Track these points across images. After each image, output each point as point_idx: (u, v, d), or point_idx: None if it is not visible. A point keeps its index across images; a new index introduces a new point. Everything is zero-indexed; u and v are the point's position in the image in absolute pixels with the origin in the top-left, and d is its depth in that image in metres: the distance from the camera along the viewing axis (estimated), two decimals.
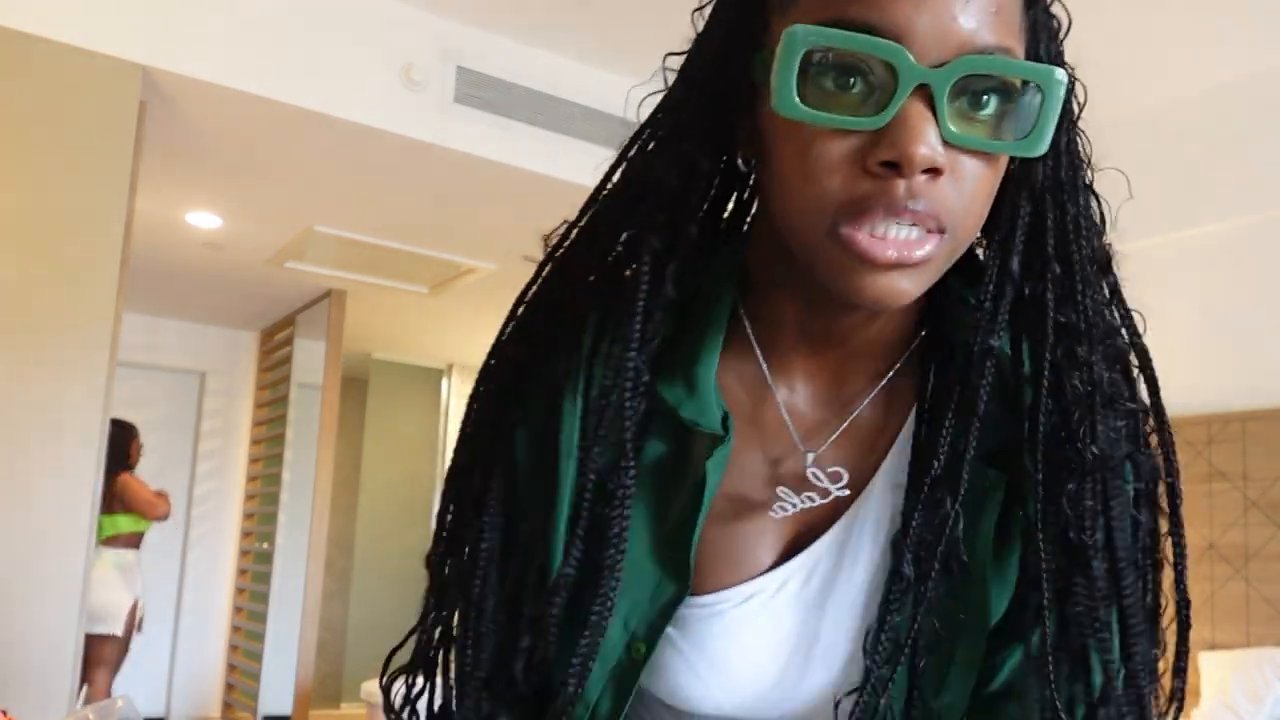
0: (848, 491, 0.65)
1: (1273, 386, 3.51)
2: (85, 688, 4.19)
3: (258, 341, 6.87)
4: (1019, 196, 0.62)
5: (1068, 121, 0.62)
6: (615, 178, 0.68)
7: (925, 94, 0.51)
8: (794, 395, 0.67)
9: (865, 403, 0.66)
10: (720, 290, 0.66)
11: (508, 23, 3.58)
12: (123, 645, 4.66)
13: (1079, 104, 0.64)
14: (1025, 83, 0.53)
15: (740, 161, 0.65)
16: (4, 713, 1.69)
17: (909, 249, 0.53)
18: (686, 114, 0.64)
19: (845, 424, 0.66)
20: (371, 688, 5.06)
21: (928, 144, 0.51)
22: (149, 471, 5.32)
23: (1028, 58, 0.57)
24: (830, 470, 0.65)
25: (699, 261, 0.65)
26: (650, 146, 0.66)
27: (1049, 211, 0.62)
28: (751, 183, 0.69)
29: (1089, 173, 0.63)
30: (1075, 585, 0.60)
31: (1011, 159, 0.58)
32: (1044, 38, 0.59)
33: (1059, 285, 0.61)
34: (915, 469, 0.64)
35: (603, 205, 0.68)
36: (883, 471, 0.66)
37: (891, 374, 0.67)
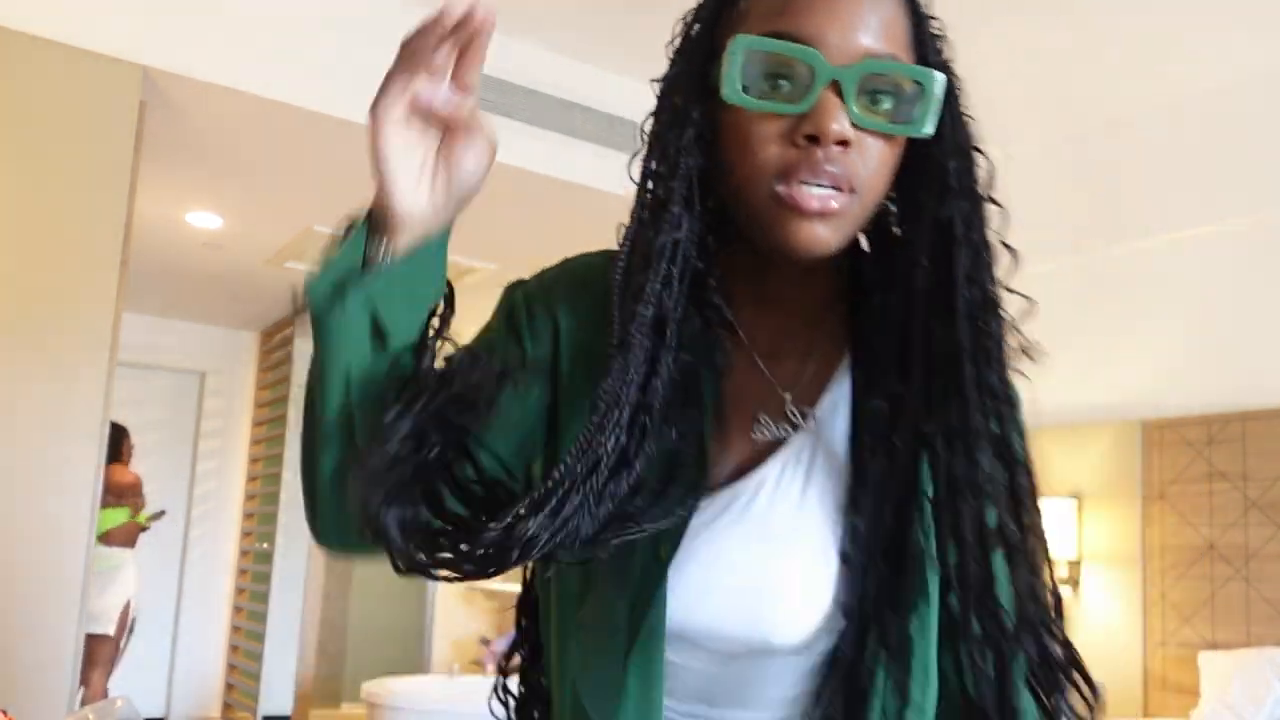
0: (813, 423, 0.80)
1: (1273, 386, 3.51)
2: (82, 688, 4.19)
3: (258, 341, 6.87)
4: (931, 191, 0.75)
5: (962, 118, 0.76)
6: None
7: (836, 88, 0.68)
8: (757, 345, 0.81)
9: (817, 353, 0.82)
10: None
11: (508, 23, 3.58)
12: (115, 645, 4.66)
13: (997, 152, 0.77)
14: (914, 83, 0.70)
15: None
16: (4, 712, 1.69)
17: (828, 200, 0.70)
18: (675, 132, 0.75)
19: (809, 371, 0.81)
20: (372, 687, 5.05)
21: (839, 122, 0.68)
22: (149, 471, 5.32)
23: (918, 61, 0.73)
24: (803, 409, 0.81)
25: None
26: (655, 167, 0.77)
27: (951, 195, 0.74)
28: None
29: (982, 168, 0.77)
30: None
31: (910, 143, 0.73)
32: (932, 45, 0.76)
33: (971, 220, 0.74)
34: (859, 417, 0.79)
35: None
36: (829, 404, 0.81)
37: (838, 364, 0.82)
